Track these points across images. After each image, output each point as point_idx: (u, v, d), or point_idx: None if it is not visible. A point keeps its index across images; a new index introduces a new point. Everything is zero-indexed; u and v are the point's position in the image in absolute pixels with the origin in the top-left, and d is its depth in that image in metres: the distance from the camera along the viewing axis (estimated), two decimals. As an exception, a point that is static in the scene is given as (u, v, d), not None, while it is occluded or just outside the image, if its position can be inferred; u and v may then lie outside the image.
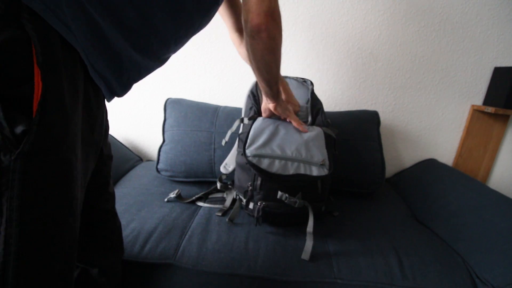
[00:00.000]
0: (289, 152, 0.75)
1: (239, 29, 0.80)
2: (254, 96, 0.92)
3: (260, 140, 0.77)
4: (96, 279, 0.59)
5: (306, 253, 0.71)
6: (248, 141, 0.78)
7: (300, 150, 0.76)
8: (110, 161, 0.61)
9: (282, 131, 0.80)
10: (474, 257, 0.72)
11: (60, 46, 0.37)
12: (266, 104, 0.82)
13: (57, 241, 0.39)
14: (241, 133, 0.86)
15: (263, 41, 0.56)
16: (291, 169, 0.74)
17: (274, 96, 0.75)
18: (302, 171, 0.74)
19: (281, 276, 0.66)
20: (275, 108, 0.80)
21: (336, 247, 0.75)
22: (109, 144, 0.62)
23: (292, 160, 0.75)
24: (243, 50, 0.78)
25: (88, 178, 0.49)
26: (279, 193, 0.73)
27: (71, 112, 0.39)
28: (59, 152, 0.37)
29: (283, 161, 0.74)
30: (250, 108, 0.91)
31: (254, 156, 0.75)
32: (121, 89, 0.52)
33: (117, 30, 0.43)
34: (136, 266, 0.69)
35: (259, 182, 0.76)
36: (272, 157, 0.74)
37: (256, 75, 0.68)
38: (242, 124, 0.89)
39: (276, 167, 0.74)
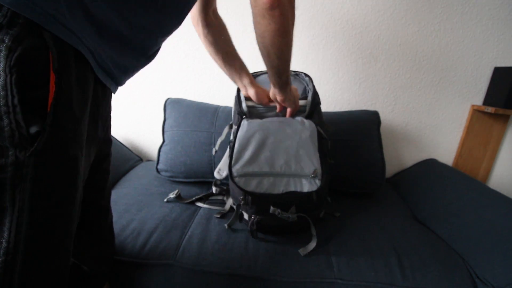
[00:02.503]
0: (278, 166, 0.72)
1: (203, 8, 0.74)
2: (239, 99, 0.88)
3: (247, 154, 0.74)
4: (87, 273, 0.60)
5: (305, 250, 0.71)
6: (234, 155, 0.74)
7: (290, 162, 0.72)
8: (110, 157, 0.64)
9: (270, 138, 0.75)
10: (474, 257, 0.72)
11: (73, 52, 0.40)
12: (274, 94, 0.76)
13: (62, 230, 0.42)
14: (231, 141, 0.84)
15: (275, 21, 0.51)
16: (280, 187, 0.70)
17: (283, 86, 0.69)
18: (292, 188, 0.70)
19: (281, 276, 0.66)
20: (283, 101, 0.75)
21: (336, 247, 0.74)
22: (111, 140, 0.64)
23: (281, 175, 0.71)
24: (206, 40, 0.77)
25: (87, 172, 0.51)
26: (272, 208, 0.69)
27: (80, 114, 0.42)
28: (68, 150, 0.40)
29: (271, 178, 0.71)
30: (237, 113, 0.88)
31: (241, 176, 0.72)
32: (124, 78, 0.55)
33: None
34: (136, 266, 0.69)
35: (250, 198, 0.71)
36: (260, 175, 0.71)
37: (265, 62, 0.62)
38: (231, 131, 0.87)
39: (265, 186, 0.71)
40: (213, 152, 0.88)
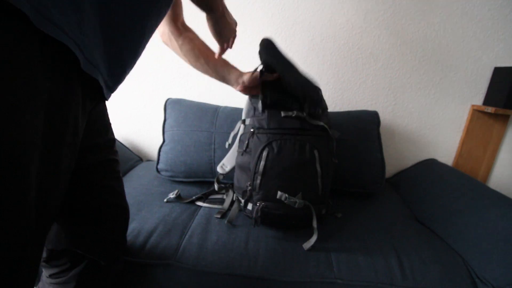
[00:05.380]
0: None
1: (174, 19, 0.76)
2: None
3: None
4: (103, 267, 0.61)
5: (308, 244, 0.73)
6: None
7: None
8: (96, 148, 0.57)
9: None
10: (474, 257, 0.72)
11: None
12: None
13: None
14: (243, 134, 0.86)
15: None
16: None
17: (205, 9, 0.63)
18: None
19: (281, 276, 0.66)
20: (215, 34, 0.69)
21: (337, 247, 0.75)
22: (103, 150, 0.59)
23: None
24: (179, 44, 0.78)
25: (58, 178, 0.41)
26: (279, 193, 0.74)
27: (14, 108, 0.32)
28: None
29: None
30: (250, 110, 0.90)
31: None
32: (114, 82, 0.47)
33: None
34: (136, 266, 0.69)
35: (258, 181, 0.76)
36: None
37: None
38: (243, 125, 0.89)
39: None
40: (227, 146, 0.91)
